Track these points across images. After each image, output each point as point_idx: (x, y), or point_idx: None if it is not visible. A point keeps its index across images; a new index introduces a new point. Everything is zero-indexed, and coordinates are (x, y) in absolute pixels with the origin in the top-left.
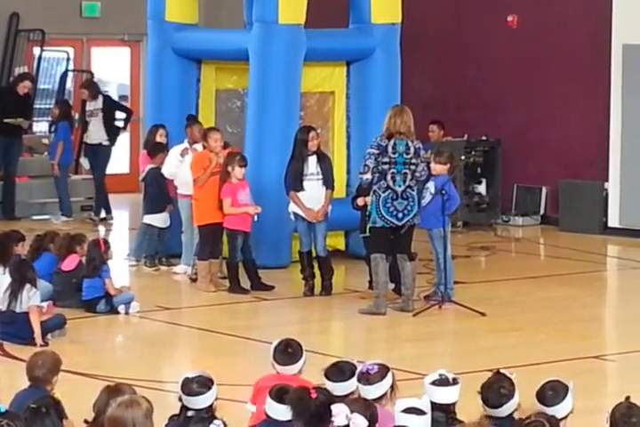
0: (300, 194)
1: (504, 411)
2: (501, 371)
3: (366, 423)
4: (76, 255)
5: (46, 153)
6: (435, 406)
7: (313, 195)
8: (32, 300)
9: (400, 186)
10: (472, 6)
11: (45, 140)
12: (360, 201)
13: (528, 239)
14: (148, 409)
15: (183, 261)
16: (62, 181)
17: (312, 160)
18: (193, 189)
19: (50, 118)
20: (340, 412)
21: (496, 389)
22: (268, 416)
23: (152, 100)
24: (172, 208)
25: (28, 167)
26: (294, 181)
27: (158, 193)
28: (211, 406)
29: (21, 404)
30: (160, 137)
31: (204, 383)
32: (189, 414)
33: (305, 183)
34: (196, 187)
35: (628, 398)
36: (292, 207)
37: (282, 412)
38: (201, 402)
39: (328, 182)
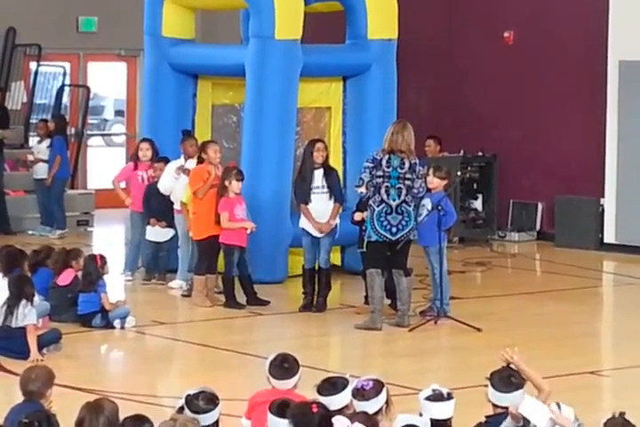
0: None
1: (510, 399)
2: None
3: None
4: (72, 270)
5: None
6: (431, 422)
7: (318, 208)
8: (28, 318)
9: (395, 200)
10: (468, 22)
11: (31, 157)
12: (357, 216)
13: (524, 255)
14: None
15: (179, 276)
16: (59, 196)
17: (318, 173)
18: (192, 203)
19: (37, 133)
20: (341, 424)
21: (506, 376)
22: None
23: (148, 115)
24: (160, 223)
25: (23, 182)
26: (302, 193)
27: (144, 207)
28: (217, 421)
29: (16, 418)
30: (141, 151)
31: (211, 399)
32: None
33: (311, 196)
34: (196, 200)
35: (622, 413)
36: (301, 223)
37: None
38: (209, 419)
39: (336, 196)
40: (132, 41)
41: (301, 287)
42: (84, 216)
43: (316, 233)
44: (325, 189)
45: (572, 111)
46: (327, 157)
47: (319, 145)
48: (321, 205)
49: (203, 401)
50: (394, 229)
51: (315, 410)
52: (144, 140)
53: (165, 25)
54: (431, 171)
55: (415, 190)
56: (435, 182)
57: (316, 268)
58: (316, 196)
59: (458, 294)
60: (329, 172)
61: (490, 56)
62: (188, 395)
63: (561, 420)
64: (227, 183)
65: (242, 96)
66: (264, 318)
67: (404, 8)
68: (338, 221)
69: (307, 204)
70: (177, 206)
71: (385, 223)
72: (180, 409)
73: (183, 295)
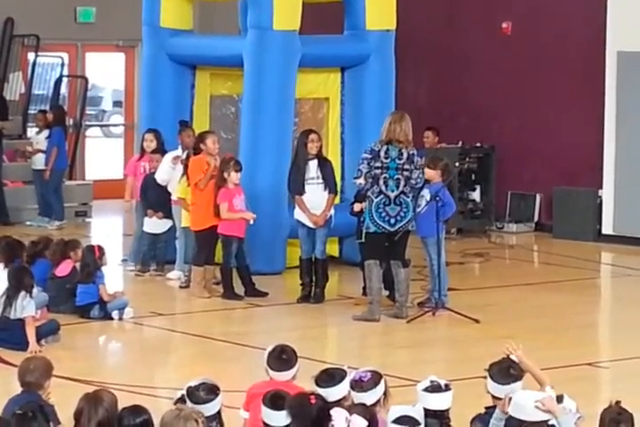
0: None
1: (508, 391)
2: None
3: (366, 423)
4: (70, 261)
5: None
6: (428, 412)
7: (313, 199)
8: (26, 310)
9: (393, 191)
10: (467, 13)
11: (29, 148)
12: (356, 207)
13: (522, 246)
14: None
15: (177, 267)
16: (57, 187)
17: (313, 164)
18: (191, 195)
19: (36, 124)
20: (339, 416)
21: (505, 367)
22: (265, 424)
23: (146, 105)
24: (157, 214)
25: (21, 173)
26: (295, 185)
27: (142, 198)
28: (219, 412)
29: (13, 409)
30: (145, 142)
31: (211, 390)
32: None
33: (305, 187)
34: (195, 191)
35: (618, 402)
36: (296, 214)
37: (279, 418)
38: (211, 409)
39: (330, 187)
40: (131, 32)
41: (299, 279)
42: (82, 207)
43: (311, 224)
44: (320, 180)
45: (570, 102)
46: (321, 147)
47: (312, 136)
48: (316, 196)
49: (203, 392)
50: (392, 221)
51: (313, 401)
52: (149, 130)
53: (164, 15)
54: (427, 163)
55: (413, 181)
56: (431, 174)
57: (313, 259)
58: (310, 187)
59: (456, 285)
60: (323, 162)
61: (488, 47)
62: (189, 387)
63: (548, 405)
64: (225, 175)
65: (240, 87)
66: (262, 309)
67: None
68: (332, 211)
69: (301, 195)
70: (174, 197)
71: (383, 214)
72: (178, 400)
73: (181, 287)
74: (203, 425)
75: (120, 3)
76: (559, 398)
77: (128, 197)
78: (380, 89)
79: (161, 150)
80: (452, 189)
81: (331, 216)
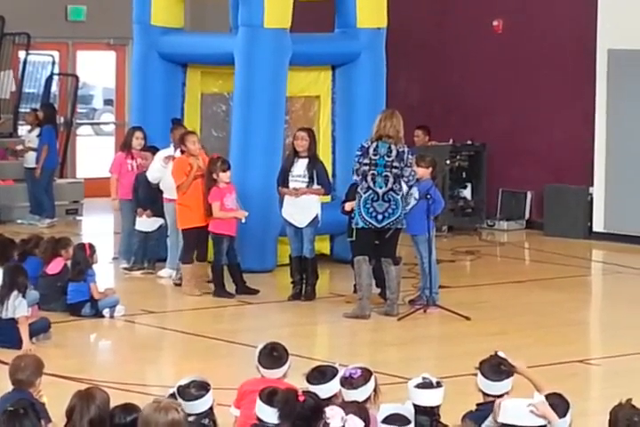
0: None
1: (500, 388)
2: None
3: (363, 424)
4: (61, 259)
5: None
6: (419, 409)
7: (295, 197)
8: (18, 310)
9: (381, 188)
10: (458, 11)
11: (20, 146)
12: (347, 206)
13: (513, 244)
14: (174, 420)
15: (168, 264)
16: (47, 185)
17: (302, 162)
18: (177, 195)
19: (27, 122)
20: (335, 414)
21: (496, 364)
22: (258, 420)
23: (137, 103)
24: (146, 213)
25: (12, 171)
26: (280, 177)
27: (133, 196)
28: (211, 408)
29: (4, 407)
30: (136, 140)
31: (202, 386)
32: (189, 419)
33: (290, 184)
34: (180, 193)
35: (629, 400)
36: (283, 213)
37: (272, 415)
38: (202, 405)
39: (326, 188)
40: (121, 30)
41: (290, 276)
42: (73, 205)
43: (297, 224)
44: (306, 179)
45: (561, 100)
46: (310, 146)
47: (298, 133)
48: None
49: (194, 389)
50: (379, 217)
51: (301, 399)
52: (138, 128)
53: (154, 13)
54: (414, 161)
55: (405, 179)
56: (420, 172)
57: (303, 257)
58: (295, 184)
59: (447, 282)
60: (314, 162)
61: (479, 45)
62: (180, 386)
63: (541, 409)
64: (214, 176)
65: (231, 85)
66: (253, 306)
67: None
68: (319, 211)
69: (284, 187)
70: (166, 195)
71: (371, 210)
72: (170, 397)
73: (175, 284)
74: (183, 414)
75: (111, 1)
76: (563, 408)
77: (114, 195)
78: (370, 87)
79: (149, 148)
80: (443, 187)
81: (317, 216)
